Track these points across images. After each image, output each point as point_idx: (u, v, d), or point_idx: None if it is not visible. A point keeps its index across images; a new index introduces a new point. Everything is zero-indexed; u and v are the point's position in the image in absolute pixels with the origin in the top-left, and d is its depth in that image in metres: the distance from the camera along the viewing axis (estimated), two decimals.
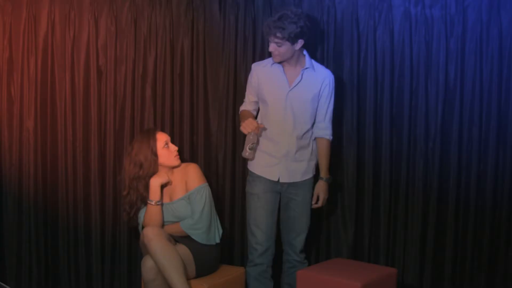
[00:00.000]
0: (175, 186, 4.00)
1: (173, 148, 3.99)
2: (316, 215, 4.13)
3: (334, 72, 4.03)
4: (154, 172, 3.94)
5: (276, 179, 3.95)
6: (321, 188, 3.99)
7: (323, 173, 4.00)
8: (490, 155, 4.10)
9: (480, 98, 4.10)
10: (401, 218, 4.27)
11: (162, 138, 3.96)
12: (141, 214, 3.99)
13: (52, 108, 4.44)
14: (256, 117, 4.07)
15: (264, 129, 3.92)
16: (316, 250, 4.41)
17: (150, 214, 3.92)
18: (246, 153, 3.89)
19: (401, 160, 4.25)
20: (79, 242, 4.46)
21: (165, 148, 3.95)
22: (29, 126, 4.43)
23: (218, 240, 3.98)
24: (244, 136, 3.89)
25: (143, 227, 3.95)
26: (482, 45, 4.08)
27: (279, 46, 3.81)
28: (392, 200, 4.28)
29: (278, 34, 3.75)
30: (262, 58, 4.26)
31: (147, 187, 3.93)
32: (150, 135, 3.95)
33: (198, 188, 3.93)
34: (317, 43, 4.28)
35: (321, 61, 4.14)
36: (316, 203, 4.00)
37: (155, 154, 3.93)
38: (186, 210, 3.94)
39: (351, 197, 4.31)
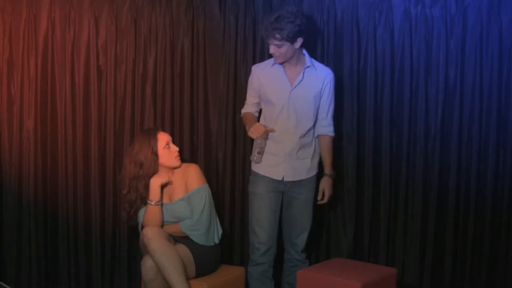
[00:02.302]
0: (175, 186, 4.00)
1: (174, 148, 3.98)
2: (316, 214, 4.13)
3: (334, 72, 4.03)
4: (154, 172, 3.93)
5: (280, 178, 3.96)
6: (326, 184, 4.00)
7: (328, 169, 4.01)
8: (490, 155, 4.10)
9: (480, 98, 4.10)
10: (401, 218, 4.27)
11: (163, 138, 3.96)
12: (141, 214, 3.99)
13: (52, 108, 4.44)
14: (258, 118, 4.07)
15: (272, 131, 3.92)
16: (316, 250, 4.41)
17: (149, 214, 3.91)
18: (255, 157, 3.93)
19: (401, 160, 4.24)
20: (79, 242, 4.45)
21: (166, 148, 3.95)
22: (29, 126, 4.42)
23: (217, 241, 3.98)
24: (246, 138, 3.90)
25: (142, 227, 3.95)
26: (482, 45, 4.08)
27: (279, 47, 3.81)
28: (392, 200, 4.28)
29: (277, 36, 3.76)
30: (262, 58, 4.26)
31: (147, 187, 3.93)
32: (151, 135, 3.95)
33: (198, 189, 3.93)
34: (317, 43, 4.28)
35: (321, 61, 4.14)
36: (322, 199, 4.01)
37: (155, 154, 3.92)
38: (186, 210, 3.94)
39: (351, 197, 4.31)
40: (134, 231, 4.36)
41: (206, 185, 3.98)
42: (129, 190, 3.97)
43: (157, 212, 3.91)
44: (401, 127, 4.24)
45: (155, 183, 3.90)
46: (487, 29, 4.06)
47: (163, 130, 4.19)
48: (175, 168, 4.00)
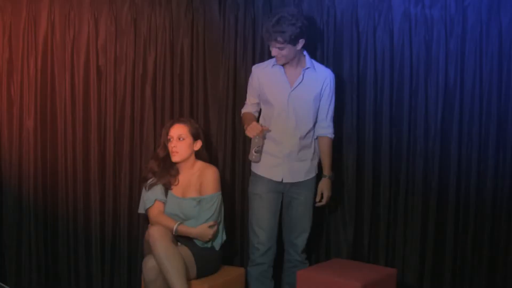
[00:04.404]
0: (190, 183, 4.02)
1: (172, 144, 3.99)
2: (316, 215, 4.13)
3: (334, 72, 4.03)
4: (163, 154, 4.02)
5: (279, 180, 3.95)
6: (324, 186, 4.00)
7: (326, 170, 4.01)
8: (490, 155, 4.09)
9: (480, 98, 4.10)
10: (401, 219, 4.27)
11: (170, 131, 4.03)
12: (147, 201, 4.01)
13: (52, 108, 4.44)
14: (258, 118, 4.08)
15: (269, 131, 3.92)
16: (316, 250, 4.41)
17: (162, 223, 3.91)
18: (253, 156, 3.93)
19: (401, 160, 4.24)
20: (79, 242, 4.46)
21: (169, 141, 4.01)
22: (29, 126, 4.42)
23: (217, 248, 3.98)
24: (246, 137, 3.88)
25: (147, 217, 4.01)
26: (482, 45, 4.07)
27: (281, 50, 3.80)
28: (392, 200, 4.28)
29: (279, 39, 3.75)
30: (262, 58, 4.26)
31: (156, 165, 4.05)
32: (168, 124, 4.09)
33: (210, 196, 3.94)
34: (317, 43, 4.28)
35: (320, 61, 4.14)
36: (320, 201, 4.01)
37: (164, 142, 4.06)
38: (193, 210, 3.95)
39: (351, 197, 4.31)
40: (134, 231, 4.38)
41: (219, 193, 3.98)
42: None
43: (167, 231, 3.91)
44: (401, 127, 4.24)
45: (196, 232, 3.89)
46: (487, 29, 4.05)
47: (186, 123, 4.10)
48: (175, 162, 4.03)
